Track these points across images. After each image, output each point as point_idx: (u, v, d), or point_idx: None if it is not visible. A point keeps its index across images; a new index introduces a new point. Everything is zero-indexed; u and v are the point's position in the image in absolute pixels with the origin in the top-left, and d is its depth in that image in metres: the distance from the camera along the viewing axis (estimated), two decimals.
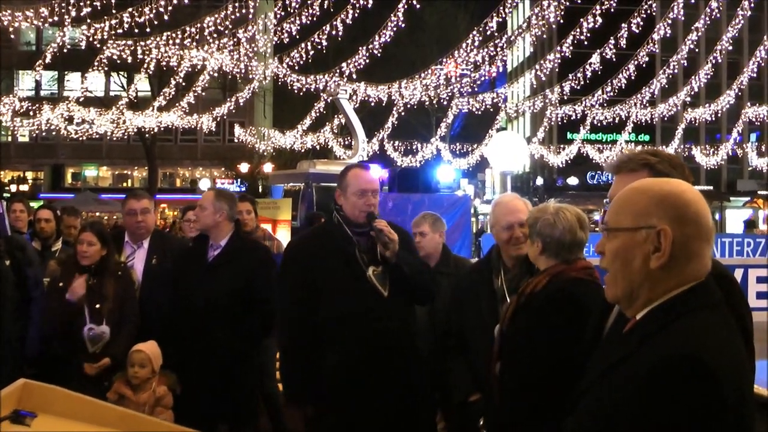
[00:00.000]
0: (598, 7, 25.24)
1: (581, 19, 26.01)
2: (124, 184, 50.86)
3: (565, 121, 35.09)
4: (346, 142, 32.65)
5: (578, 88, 29.33)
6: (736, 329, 1.86)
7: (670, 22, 27.77)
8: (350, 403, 3.93)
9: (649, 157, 2.60)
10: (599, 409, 1.83)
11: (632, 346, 1.83)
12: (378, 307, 3.97)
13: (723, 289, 1.95)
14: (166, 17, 21.47)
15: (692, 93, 32.87)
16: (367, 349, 3.94)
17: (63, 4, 20.32)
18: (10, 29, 21.77)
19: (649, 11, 26.75)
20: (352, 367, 3.94)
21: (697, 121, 36.76)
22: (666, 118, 35.23)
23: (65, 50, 23.69)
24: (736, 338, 1.84)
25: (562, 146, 41.17)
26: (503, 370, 3.33)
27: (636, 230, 1.87)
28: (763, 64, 33.09)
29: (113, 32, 22.14)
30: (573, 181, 50.65)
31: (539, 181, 48.87)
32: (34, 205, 8.86)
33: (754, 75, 33.69)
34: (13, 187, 41.67)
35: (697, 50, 32.90)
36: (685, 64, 32.14)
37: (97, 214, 32.86)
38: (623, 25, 26.52)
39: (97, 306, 4.89)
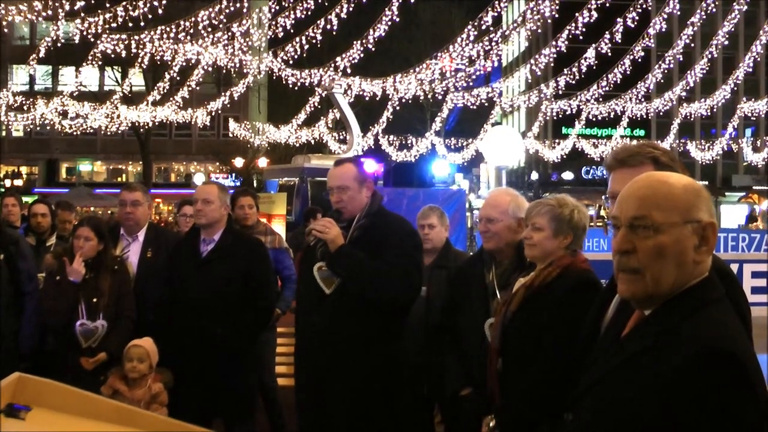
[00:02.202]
0: (593, 1, 25.24)
1: (576, 14, 26.00)
2: (119, 179, 50.76)
3: (560, 115, 35.02)
4: (341, 137, 32.59)
5: (573, 82, 29.30)
6: (740, 321, 1.86)
7: (665, 16, 27.75)
8: (297, 388, 4.23)
9: (654, 150, 2.58)
10: (615, 405, 1.81)
11: (647, 342, 1.81)
12: (316, 302, 4.02)
13: (723, 284, 1.94)
14: (160, 11, 21.46)
15: (688, 88, 32.88)
16: (300, 342, 4.22)
17: None
18: (4, 23, 21.70)
19: (644, 6, 26.75)
20: (294, 355, 4.32)
21: (693, 116, 36.76)
22: (661, 113, 35.24)
23: (59, 44, 23.63)
24: (743, 330, 1.84)
25: (557, 141, 41.09)
26: (508, 366, 3.29)
27: (684, 225, 1.83)
28: (758, 59, 33.17)
29: (107, 26, 22.07)
30: (568, 175, 50.63)
31: (534, 176, 48.86)
32: (28, 200, 8.81)
33: (750, 70, 33.75)
34: (8, 182, 41.51)
35: (692, 45, 32.90)
36: (681, 59, 32.25)
37: (92, 208, 32.85)
38: (618, 19, 26.50)
39: (94, 300, 4.87)
